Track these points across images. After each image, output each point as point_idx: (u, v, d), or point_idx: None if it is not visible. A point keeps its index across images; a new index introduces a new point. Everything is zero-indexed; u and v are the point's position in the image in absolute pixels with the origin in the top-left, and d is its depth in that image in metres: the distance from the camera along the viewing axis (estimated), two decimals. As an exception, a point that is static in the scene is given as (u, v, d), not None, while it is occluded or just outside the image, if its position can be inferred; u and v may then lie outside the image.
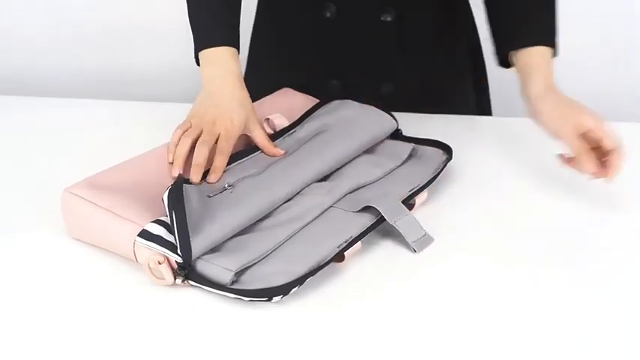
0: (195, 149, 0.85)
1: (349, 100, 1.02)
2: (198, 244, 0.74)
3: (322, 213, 0.84)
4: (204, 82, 0.94)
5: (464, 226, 0.89)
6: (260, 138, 0.91)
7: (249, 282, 0.74)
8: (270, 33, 1.19)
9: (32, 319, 0.73)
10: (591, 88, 1.56)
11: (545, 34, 0.99)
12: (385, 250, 0.84)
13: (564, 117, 0.91)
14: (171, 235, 0.76)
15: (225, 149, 0.87)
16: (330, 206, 0.85)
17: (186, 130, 0.88)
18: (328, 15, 1.10)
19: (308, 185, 0.88)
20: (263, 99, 1.04)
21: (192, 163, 0.84)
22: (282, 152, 0.90)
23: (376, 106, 1.01)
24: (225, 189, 0.82)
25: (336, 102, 1.02)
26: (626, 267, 0.81)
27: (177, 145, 0.87)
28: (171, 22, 1.52)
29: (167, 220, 0.77)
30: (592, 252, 0.84)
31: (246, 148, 0.91)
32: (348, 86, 1.12)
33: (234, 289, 0.73)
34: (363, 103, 1.01)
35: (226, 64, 0.94)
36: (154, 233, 0.76)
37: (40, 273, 0.80)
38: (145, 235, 0.76)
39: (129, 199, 0.80)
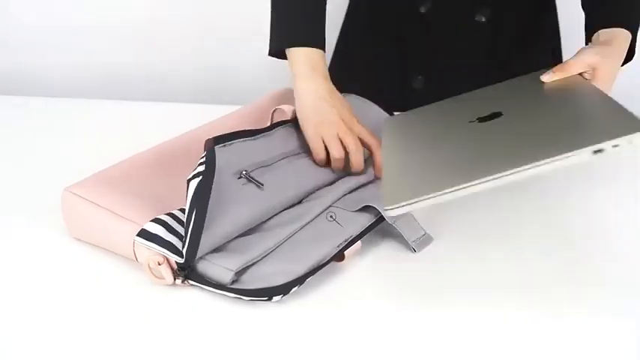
0: (353, 154, 0.89)
1: (353, 95, 1.02)
2: (203, 246, 0.74)
3: (322, 212, 0.84)
4: (303, 81, 0.92)
5: (465, 226, 0.88)
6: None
7: (249, 281, 0.74)
8: (360, 28, 1.20)
9: (32, 318, 0.73)
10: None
11: (626, 16, 0.93)
12: (385, 250, 0.84)
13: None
14: (170, 234, 0.75)
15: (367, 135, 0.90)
16: (330, 205, 0.86)
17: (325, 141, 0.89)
18: (422, 10, 1.10)
19: (314, 192, 0.88)
20: (262, 97, 1.04)
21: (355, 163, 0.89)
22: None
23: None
24: (241, 176, 0.81)
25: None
26: (628, 267, 0.81)
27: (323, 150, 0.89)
28: (171, 23, 1.53)
29: (165, 218, 0.77)
30: (593, 252, 0.84)
31: (266, 127, 0.90)
32: (433, 83, 1.12)
33: (234, 288, 0.73)
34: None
35: (324, 70, 0.93)
36: (153, 232, 0.76)
37: (40, 272, 0.80)
38: (143, 234, 0.76)
39: (129, 197, 0.80)
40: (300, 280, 0.74)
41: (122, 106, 1.24)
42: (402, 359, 0.68)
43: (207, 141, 0.78)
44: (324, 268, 0.77)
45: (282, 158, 0.88)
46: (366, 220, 0.84)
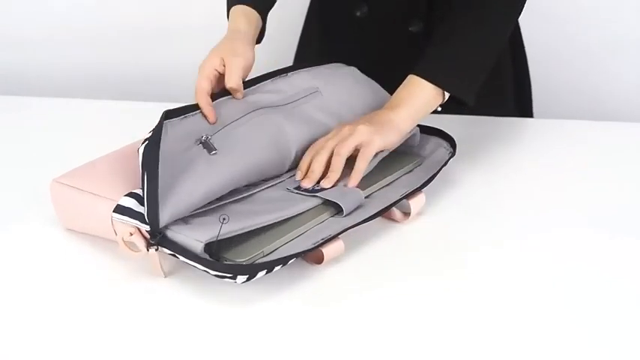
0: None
1: (354, 68, 1.01)
2: (166, 211, 0.73)
3: (307, 211, 0.83)
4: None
5: (463, 231, 0.88)
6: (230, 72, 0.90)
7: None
8: (313, 28, 1.23)
9: (25, 311, 0.73)
10: (591, 87, 1.57)
11: (428, 67, 0.93)
12: (382, 250, 0.83)
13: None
14: (141, 206, 0.75)
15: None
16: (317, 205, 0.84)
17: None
18: (358, 14, 1.11)
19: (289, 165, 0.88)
20: None
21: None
22: (240, 96, 0.89)
23: None
24: (202, 142, 0.81)
25: (338, 65, 1.00)
26: (628, 269, 0.81)
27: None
28: (171, 23, 1.53)
29: (138, 191, 0.77)
30: (594, 254, 0.84)
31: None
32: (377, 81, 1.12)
33: (203, 259, 0.72)
34: None
35: (231, 21, 0.98)
36: (126, 206, 0.76)
37: (35, 262, 0.81)
38: (118, 209, 0.76)
39: (111, 180, 0.81)
40: (268, 266, 0.73)
41: (121, 106, 1.24)
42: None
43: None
44: (321, 270, 0.77)
45: (257, 109, 0.87)
46: (347, 221, 0.82)
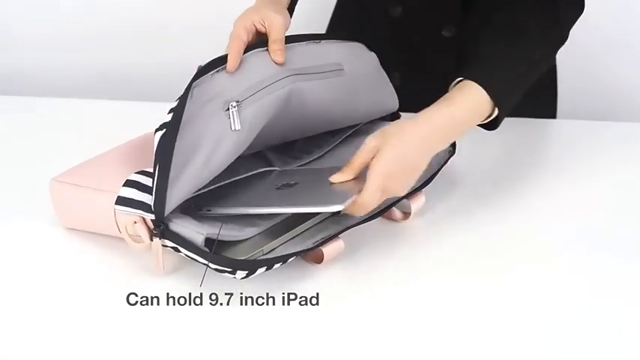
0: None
1: (374, 55, 0.98)
2: (173, 198, 0.73)
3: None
4: None
5: (464, 231, 0.88)
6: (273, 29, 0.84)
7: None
8: (343, 24, 1.22)
9: (28, 313, 0.73)
10: (591, 87, 1.57)
11: (482, 72, 0.86)
12: (382, 250, 0.83)
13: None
14: (142, 193, 0.75)
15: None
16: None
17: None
18: (393, 14, 1.11)
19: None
20: None
21: None
22: (281, 61, 0.83)
23: None
24: (229, 108, 0.77)
25: (362, 46, 0.98)
26: (629, 269, 0.81)
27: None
28: (171, 23, 1.53)
29: (136, 177, 0.76)
30: (594, 254, 0.84)
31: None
32: (408, 82, 1.12)
33: (205, 252, 0.72)
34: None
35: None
36: (126, 197, 0.76)
37: (35, 262, 0.81)
38: (119, 201, 0.76)
39: (106, 173, 0.82)
40: (267, 263, 0.73)
41: (122, 106, 1.24)
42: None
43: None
44: (321, 268, 0.77)
45: (288, 75, 0.83)
46: (349, 221, 0.81)
